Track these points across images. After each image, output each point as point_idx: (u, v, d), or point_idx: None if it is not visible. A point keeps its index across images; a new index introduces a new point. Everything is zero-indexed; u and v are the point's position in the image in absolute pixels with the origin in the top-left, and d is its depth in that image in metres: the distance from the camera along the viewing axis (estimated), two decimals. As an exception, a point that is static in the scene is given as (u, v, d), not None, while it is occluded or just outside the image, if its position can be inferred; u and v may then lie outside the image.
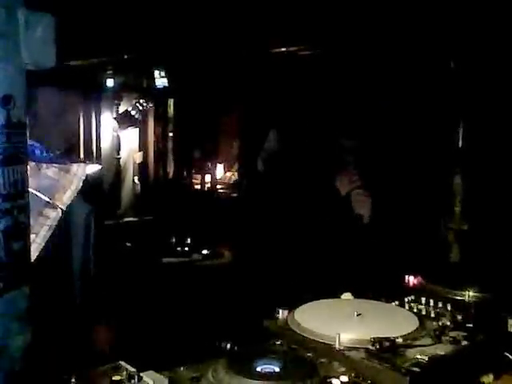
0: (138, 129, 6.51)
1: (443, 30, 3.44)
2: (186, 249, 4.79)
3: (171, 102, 6.59)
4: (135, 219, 6.10)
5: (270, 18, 4.33)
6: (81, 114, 6.26)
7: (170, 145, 6.73)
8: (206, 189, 6.87)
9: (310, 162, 3.24)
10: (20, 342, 0.89)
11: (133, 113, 6.21)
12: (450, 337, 1.69)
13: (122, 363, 1.51)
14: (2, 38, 0.80)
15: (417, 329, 1.73)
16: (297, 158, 3.27)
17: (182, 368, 1.53)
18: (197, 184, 6.90)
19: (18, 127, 0.87)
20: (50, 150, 1.87)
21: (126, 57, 5.54)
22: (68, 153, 1.96)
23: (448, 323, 1.78)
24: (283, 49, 5.12)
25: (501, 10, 3.14)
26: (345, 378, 1.46)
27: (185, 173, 6.81)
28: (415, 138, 3.45)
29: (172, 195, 6.42)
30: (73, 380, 1.40)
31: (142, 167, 6.60)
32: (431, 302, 1.95)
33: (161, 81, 6.06)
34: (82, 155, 5.74)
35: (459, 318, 1.81)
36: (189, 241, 4.87)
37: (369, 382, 1.47)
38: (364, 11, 3.84)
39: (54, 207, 1.80)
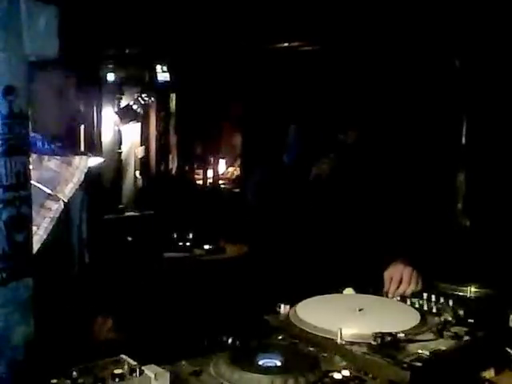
0: (139, 123, 6.51)
1: (448, 28, 3.43)
2: (188, 244, 4.78)
3: (173, 96, 6.59)
4: (136, 214, 6.10)
5: (271, 13, 4.32)
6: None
7: (171, 139, 6.73)
8: (208, 184, 6.88)
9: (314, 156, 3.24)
10: (22, 333, 0.89)
11: (134, 107, 6.20)
12: (452, 332, 1.69)
13: (124, 357, 1.51)
14: (3, 28, 0.80)
15: (418, 324, 1.73)
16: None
17: (183, 362, 1.53)
18: (199, 179, 6.90)
19: (20, 118, 0.86)
20: (51, 142, 1.87)
21: (127, 51, 5.54)
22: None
23: (450, 319, 1.78)
24: (285, 44, 5.12)
25: (505, 7, 3.14)
26: (346, 373, 1.47)
27: (187, 167, 6.81)
28: (419, 134, 3.45)
29: (174, 190, 6.43)
30: (74, 373, 1.41)
31: (144, 162, 6.59)
32: (433, 298, 1.96)
33: (163, 75, 6.06)
34: (83, 149, 5.73)
35: (461, 313, 1.82)
36: (190, 236, 4.87)
37: (370, 376, 1.47)
38: (368, 8, 3.83)
39: (56, 199, 1.80)
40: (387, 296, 2.12)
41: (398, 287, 2.14)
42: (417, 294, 2.04)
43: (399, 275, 2.15)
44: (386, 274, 2.19)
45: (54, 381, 1.37)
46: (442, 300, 1.94)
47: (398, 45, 3.73)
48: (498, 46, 3.26)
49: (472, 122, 3.40)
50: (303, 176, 2.96)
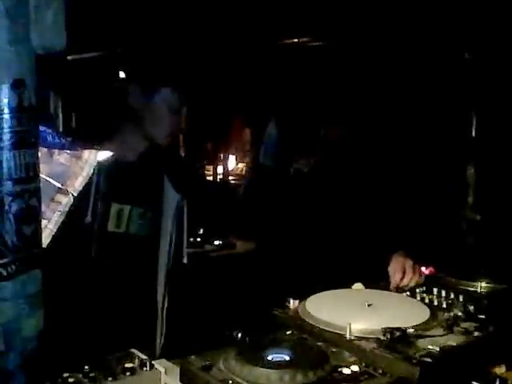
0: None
1: (457, 21, 3.41)
2: (198, 239, 4.78)
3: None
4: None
5: (280, 9, 4.31)
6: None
7: (181, 135, 6.74)
8: (218, 180, 6.88)
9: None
10: (32, 325, 0.90)
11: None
12: (462, 328, 1.68)
13: (134, 351, 1.51)
14: (12, 21, 0.79)
15: (428, 319, 1.72)
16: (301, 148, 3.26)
17: (193, 356, 1.53)
18: (209, 175, 6.91)
19: (29, 111, 0.85)
20: (61, 136, 1.88)
21: (135, 48, 5.54)
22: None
23: (460, 314, 1.77)
24: (294, 40, 5.10)
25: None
26: (355, 368, 1.46)
27: (197, 164, 6.81)
28: (429, 127, 3.43)
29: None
30: (86, 367, 1.41)
31: (154, 158, 6.60)
32: (443, 293, 1.95)
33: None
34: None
35: (471, 308, 1.81)
36: (201, 231, 4.87)
37: (380, 371, 1.46)
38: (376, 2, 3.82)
39: (66, 193, 1.81)
40: (395, 291, 2.11)
41: (401, 279, 2.14)
42: (427, 290, 2.03)
43: (401, 267, 2.15)
44: (390, 268, 2.18)
45: (66, 374, 1.37)
46: (451, 295, 1.94)
47: (407, 38, 3.71)
48: (508, 38, 3.23)
49: (482, 116, 3.38)
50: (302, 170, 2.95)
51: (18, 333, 0.87)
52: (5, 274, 0.85)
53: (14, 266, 0.86)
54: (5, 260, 0.85)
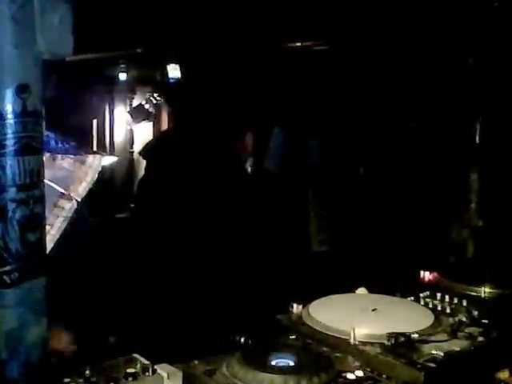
0: (151, 122, 6.53)
1: (461, 26, 3.41)
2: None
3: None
4: (148, 213, 6.10)
5: (284, 12, 4.31)
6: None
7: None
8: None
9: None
10: (36, 334, 0.89)
11: (146, 106, 6.22)
12: (466, 333, 1.67)
13: (137, 356, 1.51)
14: (17, 25, 0.79)
15: (432, 324, 1.72)
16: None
17: (196, 361, 1.52)
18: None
19: (34, 116, 0.85)
20: (65, 141, 1.87)
21: (139, 50, 5.55)
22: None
23: (464, 319, 1.76)
24: (297, 43, 5.10)
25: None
26: (360, 373, 1.46)
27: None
28: (432, 133, 3.43)
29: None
30: (87, 372, 1.41)
31: (156, 161, 6.61)
32: (447, 298, 1.94)
33: (174, 74, 6.07)
34: (95, 149, 5.76)
35: (475, 313, 1.80)
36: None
37: (384, 376, 1.46)
38: (380, 6, 3.82)
39: (69, 198, 1.80)
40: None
41: None
42: (431, 295, 2.02)
43: None
44: None
45: (67, 380, 1.37)
46: (455, 300, 1.93)
47: (411, 44, 3.71)
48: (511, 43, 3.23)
49: (485, 122, 3.38)
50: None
51: (22, 341, 0.87)
52: (8, 281, 0.84)
53: (17, 274, 0.85)
54: (8, 267, 0.85)
